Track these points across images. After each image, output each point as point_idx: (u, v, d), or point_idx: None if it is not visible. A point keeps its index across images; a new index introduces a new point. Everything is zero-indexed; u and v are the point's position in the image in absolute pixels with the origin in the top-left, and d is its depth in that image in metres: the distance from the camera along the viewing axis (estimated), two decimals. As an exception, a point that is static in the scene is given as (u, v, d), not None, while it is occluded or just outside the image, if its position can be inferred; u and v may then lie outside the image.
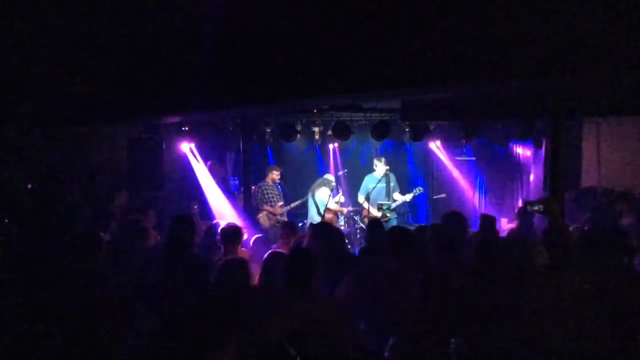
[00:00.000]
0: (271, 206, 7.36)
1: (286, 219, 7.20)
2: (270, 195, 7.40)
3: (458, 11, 4.02)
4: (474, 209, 9.30)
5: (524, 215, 5.01)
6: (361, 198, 7.50)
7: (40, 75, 5.04)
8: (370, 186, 7.34)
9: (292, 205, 7.70)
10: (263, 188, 7.42)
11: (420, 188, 7.50)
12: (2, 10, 4.27)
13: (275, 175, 7.53)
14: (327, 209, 7.06)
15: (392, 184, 7.41)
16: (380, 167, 7.40)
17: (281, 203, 7.50)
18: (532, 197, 7.91)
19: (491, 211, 9.11)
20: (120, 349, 2.82)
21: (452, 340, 2.58)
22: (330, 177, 7.68)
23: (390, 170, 7.53)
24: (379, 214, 7.21)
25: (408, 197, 7.32)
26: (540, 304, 2.95)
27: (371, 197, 7.29)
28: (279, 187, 7.69)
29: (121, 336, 2.86)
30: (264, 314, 2.66)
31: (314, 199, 7.41)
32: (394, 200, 7.36)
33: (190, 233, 3.91)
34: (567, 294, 3.05)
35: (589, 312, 2.93)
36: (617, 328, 2.79)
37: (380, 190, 7.36)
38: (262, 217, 7.28)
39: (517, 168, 8.99)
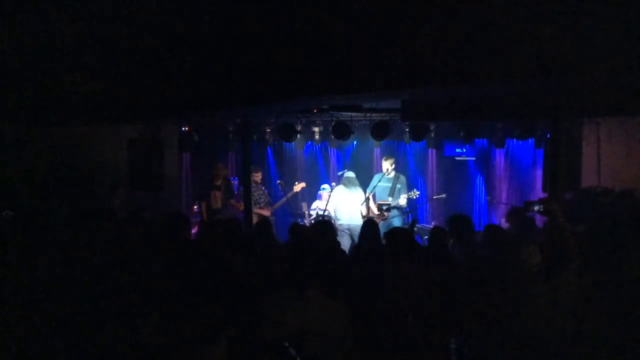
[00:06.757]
0: (259, 208, 7.40)
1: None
2: (256, 197, 7.39)
3: (458, 11, 4.02)
4: (473, 209, 9.30)
5: (523, 215, 4.99)
6: (368, 194, 7.46)
7: (40, 75, 5.04)
8: (375, 184, 7.32)
9: (276, 205, 7.74)
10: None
11: (417, 192, 7.41)
12: (2, 10, 4.28)
13: (255, 177, 7.41)
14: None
15: (398, 186, 7.25)
16: (384, 167, 7.33)
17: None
18: (532, 197, 7.91)
19: (491, 211, 9.15)
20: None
21: (452, 340, 2.59)
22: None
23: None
24: (377, 213, 7.21)
25: (403, 200, 7.16)
26: (539, 304, 2.95)
27: (376, 195, 7.30)
28: (264, 187, 7.74)
29: None
30: None
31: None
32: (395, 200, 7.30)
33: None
34: (566, 294, 3.05)
35: (589, 312, 2.93)
36: (617, 328, 2.79)
37: (384, 189, 7.30)
38: (253, 218, 7.29)
39: (517, 168, 8.99)
